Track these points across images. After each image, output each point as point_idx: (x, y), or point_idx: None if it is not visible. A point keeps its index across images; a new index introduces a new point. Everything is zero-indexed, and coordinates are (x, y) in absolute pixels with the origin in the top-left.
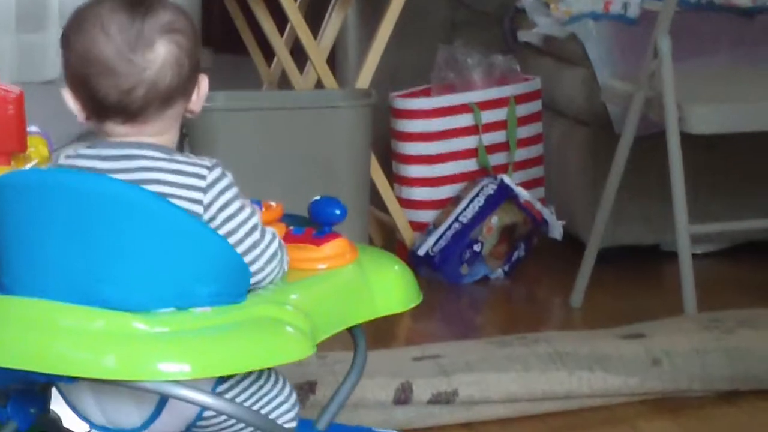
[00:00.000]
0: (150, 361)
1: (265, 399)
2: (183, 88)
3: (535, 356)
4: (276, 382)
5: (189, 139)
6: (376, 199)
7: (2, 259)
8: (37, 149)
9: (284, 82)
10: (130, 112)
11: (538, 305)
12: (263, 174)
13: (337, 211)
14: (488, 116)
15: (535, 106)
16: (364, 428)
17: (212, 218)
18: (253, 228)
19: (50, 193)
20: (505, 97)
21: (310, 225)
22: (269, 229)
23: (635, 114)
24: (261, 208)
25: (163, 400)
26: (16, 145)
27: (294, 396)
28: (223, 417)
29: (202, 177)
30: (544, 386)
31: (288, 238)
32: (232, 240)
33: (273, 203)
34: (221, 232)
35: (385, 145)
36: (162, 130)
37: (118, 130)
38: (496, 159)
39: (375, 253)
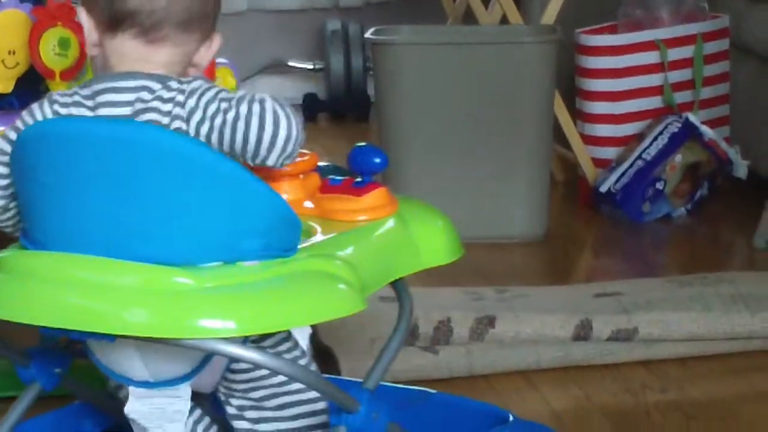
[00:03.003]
0: (191, 318)
1: (287, 356)
2: (201, 19)
3: (717, 296)
4: (299, 349)
5: (372, 73)
6: (558, 135)
7: (35, 213)
8: (224, 80)
9: (469, 17)
10: (145, 25)
11: (720, 245)
12: (445, 109)
13: (377, 160)
14: (674, 54)
15: (722, 44)
16: (411, 389)
17: (200, 121)
18: (238, 100)
19: (82, 143)
20: (692, 34)
21: (349, 175)
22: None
23: None
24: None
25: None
26: (205, 75)
27: (307, 356)
28: (257, 372)
29: (182, 92)
30: (725, 326)
31: (326, 189)
32: (227, 131)
33: (307, 152)
34: (213, 124)
35: (569, 82)
36: (170, 62)
37: (127, 46)
38: (682, 97)
39: (415, 204)
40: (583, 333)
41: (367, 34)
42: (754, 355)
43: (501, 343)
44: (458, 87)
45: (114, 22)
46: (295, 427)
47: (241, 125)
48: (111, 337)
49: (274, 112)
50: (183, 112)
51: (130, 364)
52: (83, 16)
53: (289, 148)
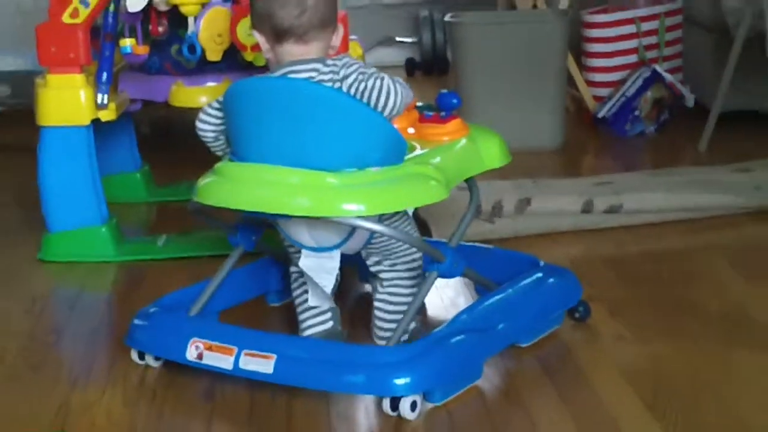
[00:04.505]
0: (337, 203)
1: (403, 227)
2: (330, 20)
3: (675, 182)
4: (410, 221)
5: (449, 43)
6: (571, 81)
7: (238, 138)
8: (354, 50)
9: (511, 4)
10: (299, 33)
11: (677, 150)
12: (498, 66)
13: (455, 100)
14: (646, 26)
15: (678, 18)
16: (477, 246)
17: (349, 85)
18: (368, 76)
19: (270, 93)
20: (658, 12)
21: (437, 111)
22: (385, 77)
23: (746, 22)
24: None
25: (354, 229)
26: (343, 48)
27: (417, 232)
28: (384, 239)
29: (337, 65)
30: (681, 202)
31: (422, 120)
32: (358, 95)
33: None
34: (354, 89)
35: (577, 46)
36: (318, 50)
37: (291, 48)
38: (651, 54)
39: (480, 128)
40: (587, 208)
41: (446, 18)
42: (702, 221)
43: (535, 215)
44: (505, 51)
45: (278, 36)
46: (409, 268)
47: (366, 94)
48: (287, 217)
49: (388, 89)
50: (339, 77)
51: (302, 235)
52: (257, 35)
53: (395, 112)
